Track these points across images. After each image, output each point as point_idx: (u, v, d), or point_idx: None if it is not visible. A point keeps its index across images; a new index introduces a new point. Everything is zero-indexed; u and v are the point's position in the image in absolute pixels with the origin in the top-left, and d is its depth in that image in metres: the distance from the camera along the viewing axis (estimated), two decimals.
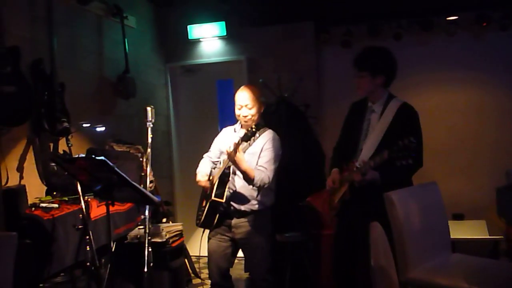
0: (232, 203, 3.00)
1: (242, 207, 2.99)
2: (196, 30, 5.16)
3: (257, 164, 2.97)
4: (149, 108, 2.86)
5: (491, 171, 4.54)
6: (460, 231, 3.91)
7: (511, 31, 4.43)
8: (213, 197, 2.93)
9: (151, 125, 2.85)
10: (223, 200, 2.93)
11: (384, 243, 2.18)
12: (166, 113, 5.38)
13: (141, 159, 3.75)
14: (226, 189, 2.94)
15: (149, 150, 2.86)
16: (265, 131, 3.07)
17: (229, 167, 2.96)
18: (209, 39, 5.20)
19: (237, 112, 3.05)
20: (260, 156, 2.99)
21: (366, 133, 2.82)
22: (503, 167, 4.30)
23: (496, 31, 4.49)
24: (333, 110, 4.80)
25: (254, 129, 2.74)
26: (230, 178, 2.98)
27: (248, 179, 2.87)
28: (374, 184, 2.64)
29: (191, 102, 5.48)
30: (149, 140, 2.84)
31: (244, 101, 3.00)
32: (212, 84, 5.48)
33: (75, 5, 3.77)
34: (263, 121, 3.16)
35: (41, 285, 2.72)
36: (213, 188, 2.97)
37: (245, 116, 3.01)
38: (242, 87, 3.11)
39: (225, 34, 5.08)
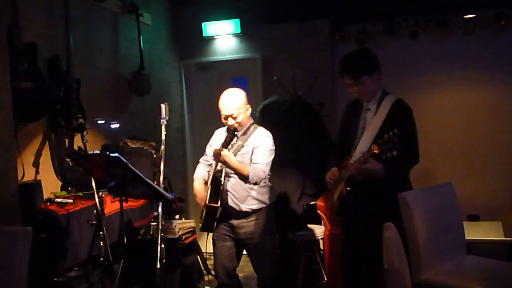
0: (231, 205, 2.96)
1: (242, 208, 2.95)
2: (210, 28, 5.16)
3: (251, 162, 2.93)
4: (163, 105, 2.86)
5: (508, 172, 4.47)
6: (475, 232, 3.86)
7: None
8: (207, 203, 2.91)
9: (165, 122, 2.85)
10: (218, 205, 2.89)
11: (398, 244, 2.15)
12: (180, 110, 5.40)
13: (154, 155, 3.77)
14: (221, 193, 2.90)
15: (163, 147, 2.87)
16: (255, 129, 3.00)
17: (219, 170, 2.93)
18: (223, 37, 5.20)
19: (223, 120, 2.98)
20: (252, 154, 2.94)
21: (363, 131, 2.82)
22: None
23: None
24: None
25: (231, 136, 2.79)
26: (226, 181, 2.93)
27: (242, 176, 2.83)
28: (375, 177, 2.60)
29: (205, 99, 5.49)
30: (163, 137, 2.85)
31: (228, 112, 2.91)
32: (226, 81, 5.46)
33: (92, 2, 3.81)
34: (253, 119, 3.07)
35: (55, 279, 2.75)
36: (207, 194, 2.94)
37: (232, 125, 2.94)
38: (223, 94, 2.97)
39: (239, 31, 5.08)
